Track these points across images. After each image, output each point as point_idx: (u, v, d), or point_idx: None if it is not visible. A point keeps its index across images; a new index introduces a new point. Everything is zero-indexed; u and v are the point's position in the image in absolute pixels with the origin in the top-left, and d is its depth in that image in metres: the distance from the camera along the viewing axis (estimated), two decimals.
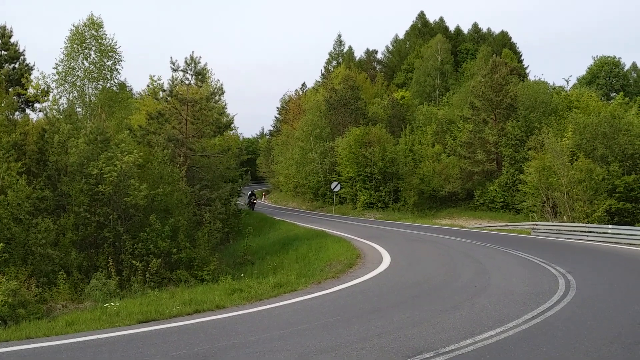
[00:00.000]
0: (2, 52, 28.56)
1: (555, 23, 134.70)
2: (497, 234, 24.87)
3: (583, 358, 6.40)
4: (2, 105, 19.01)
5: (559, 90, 45.08)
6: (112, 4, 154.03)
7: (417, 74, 59.93)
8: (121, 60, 26.06)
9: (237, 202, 27.61)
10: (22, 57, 28.96)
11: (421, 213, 36.99)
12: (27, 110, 27.41)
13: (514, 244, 19.00)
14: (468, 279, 11.85)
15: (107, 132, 17.18)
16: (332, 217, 37.07)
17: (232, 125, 32.92)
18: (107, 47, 25.60)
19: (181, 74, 22.77)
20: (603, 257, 16.19)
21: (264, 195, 61.30)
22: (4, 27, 28.79)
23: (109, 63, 25.73)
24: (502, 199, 34.75)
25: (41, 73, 27.15)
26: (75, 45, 25.02)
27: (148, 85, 29.89)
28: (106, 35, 25.72)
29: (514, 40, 67.99)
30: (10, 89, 23.52)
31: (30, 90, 24.52)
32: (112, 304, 9.73)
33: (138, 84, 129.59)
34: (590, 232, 21.38)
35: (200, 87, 25.48)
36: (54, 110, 23.86)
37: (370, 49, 71.55)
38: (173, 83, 23.38)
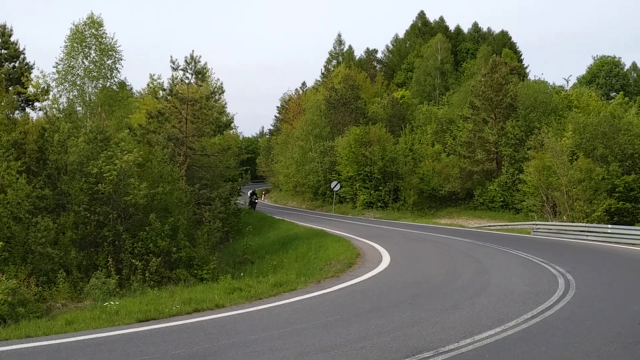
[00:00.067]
0: (2, 50, 28.59)
1: (555, 23, 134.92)
2: (496, 233, 24.86)
3: (582, 358, 6.40)
4: (2, 104, 19.02)
5: (559, 89, 45.09)
6: (112, 3, 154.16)
7: (417, 73, 59.97)
8: (121, 60, 26.06)
9: (237, 201, 27.59)
10: (22, 56, 29.03)
11: (421, 212, 36.99)
12: (27, 109, 27.50)
13: (514, 244, 18.99)
14: (468, 279, 11.85)
15: (107, 131, 17.15)
16: (331, 216, 37.06)
17: (232, 125, 32.95)
18: (107, 46, 25.57)
19: (181, 73, 22.82)
20: (603, 257, 16.19)
21: (264, 194, 61.26)
22: (4, 26, 28.83)
23: (109, 62, 25.71)
24: (501, 199, 34.76)
25: (41, 72, 27.04)
26: (75, 44, 24.98)
27: (148, 84, 29.93)
28: (106, 34, 25.72)
29: (514, 39, 68.21)
30: (10, 88, 23.59)
31: (30, 89, 24.51)
32: (111, 303, 9.73)
33: (138, 83, 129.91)
34: (590, 231, 21.39)
35: (200, 86, 25.45)
36: (53, 109, 23.84)
37: (370, 49, 71.81)
38: (173, 82, 23.37)
